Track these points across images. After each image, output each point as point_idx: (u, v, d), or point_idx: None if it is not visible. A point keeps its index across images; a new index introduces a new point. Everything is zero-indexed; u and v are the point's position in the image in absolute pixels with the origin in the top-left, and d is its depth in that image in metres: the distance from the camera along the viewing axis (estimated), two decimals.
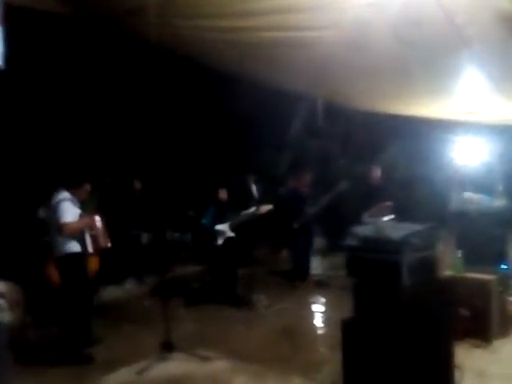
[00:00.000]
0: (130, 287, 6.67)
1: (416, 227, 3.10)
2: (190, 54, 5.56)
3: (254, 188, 7.10)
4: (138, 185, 7.00)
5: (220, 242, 5.99)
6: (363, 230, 3.19)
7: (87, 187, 4.52)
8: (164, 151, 5.54)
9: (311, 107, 7.49)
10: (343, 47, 4.59)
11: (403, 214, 5.42)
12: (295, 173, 7.01)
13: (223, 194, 6.10)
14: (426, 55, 4.81)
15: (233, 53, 5.24)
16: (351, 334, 3.23)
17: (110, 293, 6.15)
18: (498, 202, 4.88)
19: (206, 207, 6.16)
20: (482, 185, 5.64)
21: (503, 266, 4.46)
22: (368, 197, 6.26)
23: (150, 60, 4.85)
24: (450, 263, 4.22)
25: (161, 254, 6.18)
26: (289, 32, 4.41)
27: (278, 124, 7.92)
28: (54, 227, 4.27)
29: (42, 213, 5.03)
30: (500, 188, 5.29)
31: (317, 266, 7.12)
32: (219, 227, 6.01)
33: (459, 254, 4.27)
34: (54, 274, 4.54)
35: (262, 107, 7.44)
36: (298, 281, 6.57)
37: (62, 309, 4.37)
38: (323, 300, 6.03)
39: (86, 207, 4.70)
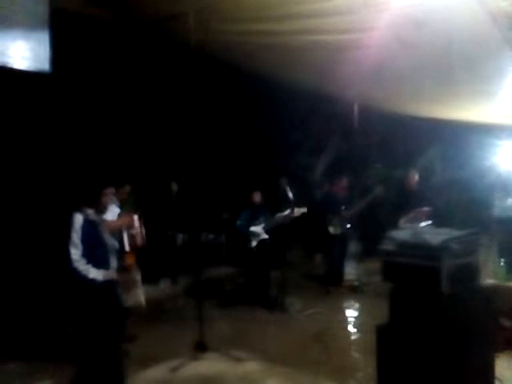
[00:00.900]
0: (164, 287, 6.78)
1: (456, 233, 3.01)
2: (229, 58, 5.63)
3: (288, 191, 7.09)
4: (174, 187, 7.13)
5: (254, 244, 6.02)
6: (400, 234, 3.12)
7: (127, 188, 4.66)
8: (200, 154, 5.60)
9: (348, 110, 7.41)
10: (381, 50, 4.53)
11: (441, 219, 5.27)
12: (331, 176, 6.96)
13: (257, 197, 6.13)
14: (469, 57, 4.69)
15: (270, 56, 5.28)
16: (386, 340, 3.16)
17: (145, 292, 6.27)
18: None
19: (240, 209, 6.20)
20: None
21: None
22: (405, 202, 6.12)
23: (190, 63, 4.94)
24: (493, 271, 4.07)
25: (195, 255, 6.26)
26: (326, 35, 4.40)
27: (315, 127, 7.89)
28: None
29: None
30: None
31: (351, 271, 7.02)
32: (253, 229, 6.04)
33: (502, 262, 4.11)
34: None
35: (298, 110, 7.44)
36: (331, 286, 6.50)
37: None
38: (357, 305, 5.94)
39: (125, 207, 4.83)
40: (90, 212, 3.39)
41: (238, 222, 6.11)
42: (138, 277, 4.53)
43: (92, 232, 3.35)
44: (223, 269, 7.38)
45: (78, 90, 5.86)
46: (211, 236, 7.03)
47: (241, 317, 5.50)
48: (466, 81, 5.60)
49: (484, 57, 4.66)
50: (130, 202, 5.26)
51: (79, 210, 3.36)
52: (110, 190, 3.59)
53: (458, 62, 4.79)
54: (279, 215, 5.98)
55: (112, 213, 4.41)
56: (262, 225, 6.05)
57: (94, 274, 3.27)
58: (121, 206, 4.62)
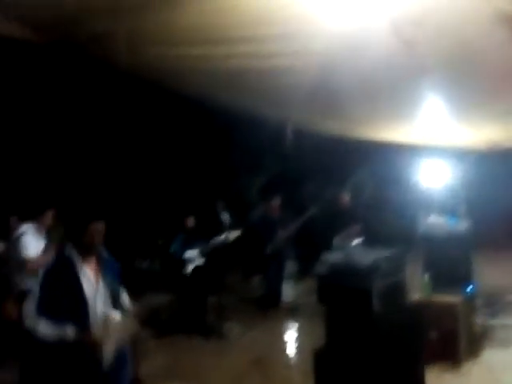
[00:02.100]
0: None
1: (384, 252, 3.13)
2: (160, 81, 5.56)
3: (224, 214, 7.06)
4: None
5: (189, 269, 5.89)
6: (333, 256, 3.20)
7: (50, 214, 4.32)
8: (134, 179, 5.45)
9: (281, 132, 7.57)
10: (312, 74, 4.71)
11: (372, 237, 5.49)
12: (265, 198, 7.02)
13: (191, 222, 6.04)
14: (390, 82, 4.99)
15: (205, 80, 5.29)
16: (323, 362, 3.19)
17: None
18: (462, 225, 5.00)
19: (174, 235, 6.07)
20: (446, 208, 5.79)
21: (469, 289, 4.54)
22: (338, 220, 6.32)
23: (119, 86, 4.82)
24: (418, 287, 4.27)
25: (129, 283, 5.99)
26: (259, 60, 4.49)
27: (248, 149, 7.96)
28: (14, 262, 4.07)
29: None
30: (463, 211, 5.44)
31: (289, 291, 7.07)
32: (188, 255, 5.92)
33: (427, 277, 4.33)
34: (13, 310, 4.28)
35: (233, 133, 7.49)
36: (269, 308, 6.49)
37: (22, 347, 4.14)
38: (295, 327, 5.98)
39: (53, 236, 4.51)
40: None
41: (173, 248, 5.97)
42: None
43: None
44: (158, 297, 7.14)
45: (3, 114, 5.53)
46: (145, 263, 6.79)
47: (178, 346, 5.32)
48: (390, 104, 5.96)
49: (403, 81, 4.98)
50: (58, 231, 4.93)
51: None
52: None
53: (382, 86, 5.09)
54: (215, 239, 5.92)
55: (35, 248, 4.09)
56: (198, 250, 5.95)
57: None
58: (48, 237, 4.29)
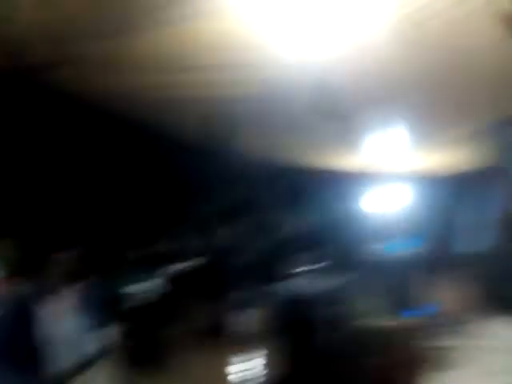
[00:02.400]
0: None
1: (331, 281, 3.19)
2: (110, 108, 5.51)
3: (182, 242, 6.95)
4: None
5: (140, 302, 5.72)
6: (281, 287, 3.22)
7: None
8: (83, 208, 5.28)
9: (231, 160, 7.62)
10: (262, 103, 4.83)
11: (320, 264, 5.57)
12: (217, 226, 6.99)
13: (138, 254, 5.91)
14: (336, 111, 5.19)
15: (153, 107, 5.29)
16: None
17: None
18: (412, 249, 5.19)
19: (121, 268, 5.90)
20: (397, 232, 5.98)
21: (414, 312, 4.68)
22: (286, 248, 6.38)
23: (68, 113, 4.71)
24: (365, 312, 4.35)
25: None
26: (200, 89, 4.56)
27: (198, 177, 7.94)
28: None
29: None
30: (414, 234, 5.65)
31: (240, 320, 6.99)
32: (139, 287, 5.77)
33: (375, 302, 4.42)
34: None
35: (181, 161, 7.43)
36: (219, 338, 6.38)
37: None
38: (243, 357, 5.89)
39: (5, 266, 4.23)
40: None
41: (123, 280, 5.80)
42: None
43: None
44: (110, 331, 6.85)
45: None
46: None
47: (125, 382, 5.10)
48: (343, 131, 6.18)
49: (351, 109, 5.20)
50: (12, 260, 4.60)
51: None
52: None
53: (327, 116, 5.29)
54: (166, 270, 5.80)
55: None
56: (151, 281, 5.81)
57: None
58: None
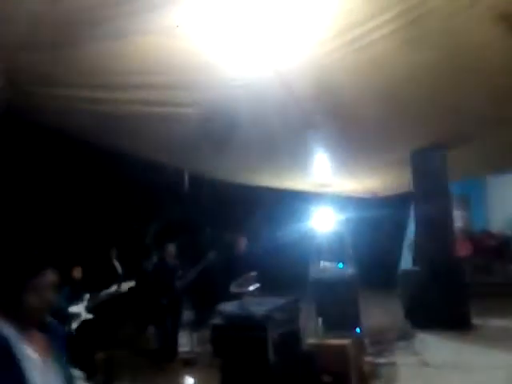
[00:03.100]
0: None
1: (279, 301, 3.19)
2: (50, 123, 5.26)
3: (116, 263, 6.67)
4: None
5: (74, 325, 5.39)
6: (228, 307, 3.17)
7: None
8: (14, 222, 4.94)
9: (178, 178, 7.53)
10: (205, 122, 4.82)
11: (267, 283, 5.57)
12: (160, 245, 6.81)
13: (78, 272, 5.59)
14: (282, 135, 5.30)
15: (94, 123, 5.11)
16: None
17: None
18: (349, 270, 5.33)
19: (59, 287, 5.55)
20: (334, 253, 6.13)
21: (357, 330, 4.79)
22: (234, 267, 6.33)
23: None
24: (312, 331, 4.39)
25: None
26: (152, 107, 4.49)
27: (145, 195, 7.76)
28: None
29: None
30: (349, 256, 5.82)
31: (185, 341, 6.80)
32: (73, 309, 5.44)
33: (319, 321, 4.48)
34: None
35: (129, 178, 7.25)
36: (165, 361, 6.16)
37: None
38: (191, 381, 5.72)
39: None
40: None
41: (56, 302, 5.44)
42: None
43: None
44: None
45: None
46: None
47: None
48: (283, 154, 6.30)
49: (293, 134, 5.32)
50: None
51: None
52: None
53: (275, 137, 5.38)
54: (104, 292, 5.53)
55: None
56: (85, 303, 5.50)
57: None
58: None
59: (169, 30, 3.25)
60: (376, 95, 4.32)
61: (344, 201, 8.31)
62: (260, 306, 3.03)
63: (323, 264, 5.28)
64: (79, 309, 5.46)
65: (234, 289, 5.90)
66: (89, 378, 5.21)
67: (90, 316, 5.50)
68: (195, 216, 8.28)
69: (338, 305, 4.66)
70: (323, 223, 7.09)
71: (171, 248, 6.60)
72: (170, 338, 6.40)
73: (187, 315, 7.50)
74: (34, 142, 6.04)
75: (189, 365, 6.12)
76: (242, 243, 6.65)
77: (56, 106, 4.61)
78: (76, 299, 5.47)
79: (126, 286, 5.57)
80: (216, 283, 6.48)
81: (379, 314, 6.45)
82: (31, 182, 6.53)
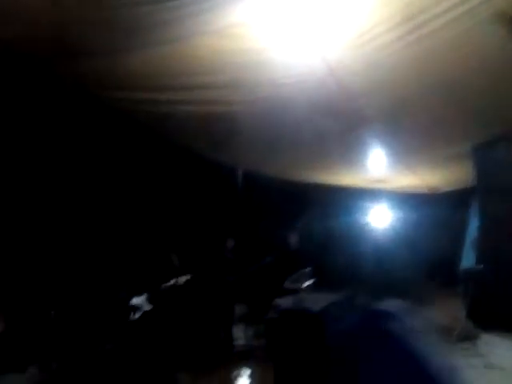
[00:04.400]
0: (32, 375, 5.95)
1: (335, 298, 3.17)
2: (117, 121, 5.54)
3: (175, 258, 6.89)
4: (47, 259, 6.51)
5: (136, 316, 5.66)
6: (283, 302, 3.19)
7: None
8: (82, 221, 5.27)
9: (232, 175, 7.65)
10: (258, 120, 4.86)
11: (322, 279, 5.54)
12: (217, 241, 6.96)
13: (141, 269, 5.87)
14: (335, 130, 5.24)
15: (154, 124, 5.32)
16: None
17: (9, 382, 5.43)
18: (405, 266, 5.17)
19: (121, 281, 5.85)
20: (391, 250, 5.98)
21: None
22: (288, 263, 6.35)
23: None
24: None
25: (70, 335, 5.65)
26: (207, 106, 4.59)
27: (200, 193, 7.95)
28: None
29: None
30: (406, 252, 5.64)
31: (240, 335, 6.92)
32: (135, 301, 5.70)
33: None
34: None
35: (185, 176, 7.46)
36: (222, 354, 6.30)
37: None
38: (248, 373, 5.81)
39: None
40: None
41: (120, 295, 5.73)
42: None
43: None
44: (103, 346, 6.75)
45: None
46: (90, 311, 6.44)
47: None
48: (336, 151, 6.22)
49: (347, 130, 5.24)
50: None
51: None
52: None
53: (326, 134, 5.32)
54: (165, 285, 5.75)
55: None
56: (145, 296, 5.75)
57: None
58: None
59: (222, 31, 3.32)
60: (433, 87, 4.16)
61: (401, 197, 8.08)
62: (316, 302, 3.03)
63: (379, 261, 5.16)
64: (140, 301, 5.72)
65: (288, 285, 5.93)
66: (150, 368, 5.45)
67: (150, 307, 5.74)
68: (249, 213, 8.38)
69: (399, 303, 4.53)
70: (378, 220, 6.94)
71: (229, 243, 6.74)
72: (225, 332, 6.54)
73: (242, 310, 7.63)
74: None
75: (244, 358, 6.22)
76: (296, 240, 6.66)
77: (119, 108, 4.85)
78: (139, 291, 5.73)
79: (182, 280, 5.75)
80: (270, 279, 6.54)
81: (440, 313, 6.22)
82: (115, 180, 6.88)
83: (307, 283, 5.87)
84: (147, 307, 5.72)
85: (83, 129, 5.52)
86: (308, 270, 6.22)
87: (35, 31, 3.20)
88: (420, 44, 3.33)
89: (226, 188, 8.02)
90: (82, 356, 5.76)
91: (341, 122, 4.81)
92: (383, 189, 8.30)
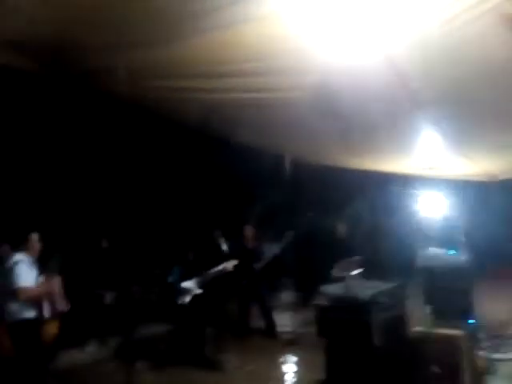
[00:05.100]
0: (92, 350, 6.31)
1: (384, 285, 3.12)
2: (161, 112, 5.67)
3: (222, 243, 7.02)
4: (104, 243, 6.84)
5: (186, 300, 5.83)
6: (332, 288, 3.19)
7: (34, 238, 4.30)
8: (132, 209, 5.47)
9: (279, 163, 7.65)
10: (308, 108, 4.81)
11: (371, 268, 5.46)
12: (262, 227, 7.02)
13: (191, 254, 6.03)
14: (385, 116, 5.09)
15: (201, 112, 5.39)
16: None
17: (71, 357, 5.79)
18: (462, 257, 4.99)
19: (172, 265, 6.04)
20: (444, 239, 5.79)
21: (471, 321, 4.50)
22: (335, 251, 6.30)
23: (120, 116, 4.90)
24: (420, 320, 4.22)
25: (125, 313, 5.93)
26: (254, 94, 4.59)
27: (246, 180, 8.02)
28: (7, 291, 4.03)
29: None
30: (462, 242, 5.44)
31: (288, 322, 6.98)
32: (185, 285, 5.88)
33: (428, 309, 4.28)
34: (5, 341, 4.22)
35: (230, 163, 7.55)
36: (267, 338, 6.40)
37: (15, 379, 4.06)
38: (294, 359, 5.86)
39: (50, 266, 4.50)
40: None
41: (170, 278, 5.93)
42: None
43: None
44: (156, 327, 7.03)
45: (3, 144, 5.59)
46: (142, 293, 6.73)
47: (175, 379, 5.21)
48: (386, 137, 6.06)
49: (399, 115, 5.08)
50: (56, 261, 4.90)
51: None
52: None
53: (377, 120, 5.19)
54: (213, 269, 5.89)
55: (29, 277, 4.08)
56: (195, 280, 5.91)
57: None
58: (40, 266, 4.27)
59: (269, 17, 3.29)
60: (491, 72, 3.93)
61: (455, 184, 7.75)
62: (365, 289, 3.00)
63: (433, 250, 5.01)
64: (191, 285, 5.90)
65: (336, 273, 5.89)
66: (198, 349, 5.64)
67: (200, 291, 5.90)
68: (296, 201, 8.36)
69: (450, 294, 4.40)
70: (431, 208, 6.71)
71: (249, 230, 6.79)
72: (266, 317, 6.61)
73: (290, 296, 7.68)
74: (149, 134, 6.56)
75: (290, 345, 6.28)
76: (342, 228, 6.59)
77: (167, 97, 4.94)
78: (187, 276, 5.91)
79: (230, 265, 5.87)
80: (316, 266, 6.53)
81: (496, 305, 5.97)
82: (150, 173, 7.13)
83: (355, 271, 5.81)
84: (197, 291, 5.89)
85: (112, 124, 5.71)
86: (356, 258, 6.15)
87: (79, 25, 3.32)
88: (478, 28, 3.15)
89: (271, 176, 8.05)
90: (137, 333, 6.04)
91: (393, 106, 4.66)
92: (436, 176, 8.00)
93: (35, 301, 4.09)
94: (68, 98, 5.59)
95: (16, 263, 4.04)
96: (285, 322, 6.97)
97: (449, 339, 4.11)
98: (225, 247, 5.83)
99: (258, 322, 6.80)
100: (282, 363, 5.79)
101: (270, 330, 6.58)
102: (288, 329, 6.78)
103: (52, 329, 4.70)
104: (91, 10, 3.25)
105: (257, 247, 6.72)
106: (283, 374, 5.49)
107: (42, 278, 4.23)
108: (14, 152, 5.80)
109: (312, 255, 6.79)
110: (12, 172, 5.78)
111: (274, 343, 6.35)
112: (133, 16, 3.31)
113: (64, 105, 5.88)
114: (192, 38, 3.63)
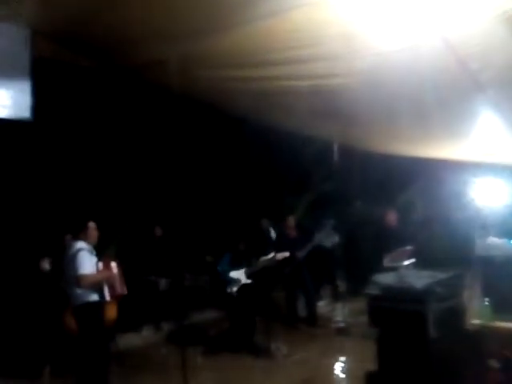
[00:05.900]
0: (147, 334, 6.57)
1: (440, 275, 3.02)
2: (210, 102, 5.73)
3: (271, 232, 7.05)
4: (158, 231, 7.05)
5: (234, 289, 5.91)
6: (384, 278, 3.12)
7: (92, 226, 4.50)
8: (185, 198, 5.61)
9: (328, 150, 7.54)
10: (359, 93, 4.69)
11: (424, 258, 5.29)
12: (312, 216, 6.98)
13: (242, 244, 6.09)
14: (441, 99, 4.87)
15: (251, 100, 5.40)
16: None
17: (127, 340, 6.06)
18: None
19: (223, 253, 6.14)
20: (505, 228, 5.50)
21: None
22: (387, 240, 6.15)
23: (171, 108, 5.01)
24: (478, 312, 4.04)
25: (178, 299, 6.11)
26: (304, 81, 4.54)
27: (296, 168, 7.98)
28: (71, 278, 4.28)
29: (45, 265, 5.03)
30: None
31: (338, 311, 6.93)
32: (234, 274, 5.95)
33: (486, 302, 4.09)
34: (71, 322, 4.50)
35: (279, 152, 7.54)
36: (317, 328, 6.38)
37: (79, 358, 4.31)
38: (344, 349, 5.82)
39: (107, 253, 4.72)
40: None
41: (219, 267, 6.04)
42: None
43: None
44: (207, 313, 7.21)
45: (58, 138, 5.85)
46: (194, 280, 6.90)
47: (226, 364, 5.33)
48: (441, 122, 5.80)
49: (456, 99, 4.85)
50: (110, 249, 5.13)
51: None
52: None
53: (432, 103, 4.98)
54: (262, 259, 5.93)
55: (90, 265, 4.30)
56: (244, 269, 5.97)
57: None
58: (98, 253, 4.49)
59: (321, 2, 3.22)
60: None
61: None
62: (420, 279, 2.91)
63: (492, 240, 4.77)
64: (240, 274, 5.97)
65: (387, 263, 5.76)
66: (248, 337, 5.72)
67: (248, 281, 5.97)
68: (346, 189, 8.23)
69: (509, 285, 4.18)
70: (491, 196, 6.38)
71: (291, 220, 6.73)
72: (309, 306, 6.59)
73: (340, 286, 7.61)
74: (199, 123, 6.66)
75: (342, 333, 6.24)
76: (392, 216, 6.42)
77: (216, 87, 4.99)
78: (237, 265, 5.99)
79: (281, 255, 5.88)
80: (368, 256, 6.41)
81: None
82: (201, 162, 7.26)
83: (407, 261, 5.65)
84: (245, 280, 5.96)
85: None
86: (408, 248, 5.98)
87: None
88: None
89: (320, 164, 7.95)
90: (189, 319, 6.21)
91: (450, 89, 4.45)
92: (494, 163, 7.59)
93: (97, 285, 4.31)
94: (121, 91, 5.79)
95: (78, 251, 4.26)
96: (335, 311, 6.93)
97: (509, 333, 3.92)
98: (273, 236, 5.84)
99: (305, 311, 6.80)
100: (332, 353, 5.77)
101: (310, 319, 6.56)
102: (339, 318, 6.74)
103: (112, 311, 4.95)
104: (141, 3, 3.33)
105: (299, 236, 6.68)
106: (332, 363, 5.47)
107: (101, 264, 4.43)
108: (72, 146, 6.08)
109: (362, 245, 6.67)
110: (70, 165, 6.06)
111: (325, 332, 6.33)
112: (182, 7, 3.36)
113: (118, 98, 6.08)
114: (242, 27, 3.64)
